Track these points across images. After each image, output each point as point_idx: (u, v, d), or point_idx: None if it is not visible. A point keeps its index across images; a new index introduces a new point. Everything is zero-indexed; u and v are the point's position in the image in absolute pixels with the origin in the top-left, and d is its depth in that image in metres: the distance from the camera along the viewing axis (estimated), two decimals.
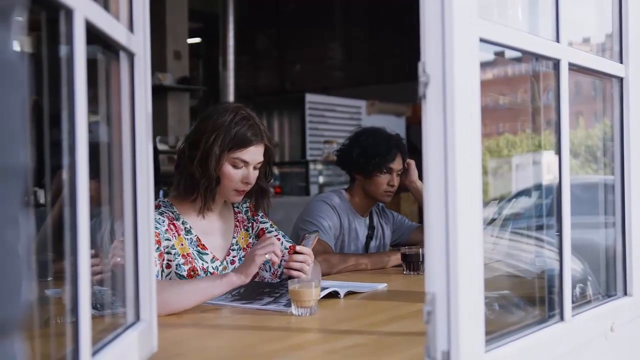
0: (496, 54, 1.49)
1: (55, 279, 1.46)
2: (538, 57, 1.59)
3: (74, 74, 1.01)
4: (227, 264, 2.31)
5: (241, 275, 2.00)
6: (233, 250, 2.35)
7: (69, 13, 1.00)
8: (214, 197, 2.27)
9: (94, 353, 1.09)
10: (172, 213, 2.24)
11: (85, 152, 1.02)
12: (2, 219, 0.54)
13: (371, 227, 3.16)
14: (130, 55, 1.35)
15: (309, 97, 8.19)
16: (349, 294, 2.20)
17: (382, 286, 2.38)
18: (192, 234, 2.24)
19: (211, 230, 2.31)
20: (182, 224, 2.24)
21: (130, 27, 1.35)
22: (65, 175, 1.01)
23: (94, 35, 1.11)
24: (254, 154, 2.23)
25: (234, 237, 2.37)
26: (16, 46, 0.60)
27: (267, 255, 2.01)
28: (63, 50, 1.01)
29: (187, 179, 2.22)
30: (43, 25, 1.04)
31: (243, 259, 2.32)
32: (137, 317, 1.38)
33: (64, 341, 1.08)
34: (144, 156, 1.39)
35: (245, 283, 2.01)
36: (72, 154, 1.00)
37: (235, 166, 2.22)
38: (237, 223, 2.40)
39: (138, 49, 1.37)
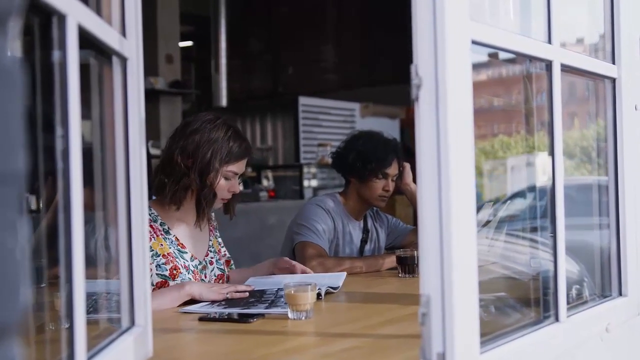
0: (490, 55, 1.50)
1: (49, 284, 1.46)
2: (530, 58, 1.59)
3: (67, 78, 1.00)
4: (206, 263, 2.41)
5: (194, 287, 2.12)
6: (211, 251, 2.46)
7: (62, 18, 1.00)
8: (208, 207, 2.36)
9: (89, 358, 1.08)
10: (150, 215, 2.28)
11: (79, 157, 1.02)
12: (1, 223, 0.54)
13: (365, 231, 3.16)
14: (123, 60, 1.35)
15: (303, 100, 8.16)
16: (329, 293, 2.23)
17: (342, 275, 2.45)
18: (170, 234, 2.32)
19: (189, 233, 2.39)
20: (160, 225, 2.31)
21: (123, 32, 1.35)
22: (59, 180, 1.00)
23: (86, 40, 1.11)
24: (243, 165, 2.38)
25: (210, 240, 2.48)
26: (13, 52, 0.60)
27: (228, 295, 2.14)
28: (55, 55, 1.01)
29: (182, 190, 2.28)
30: (35, 29, 1.04)
31: (219, 261, 2.47)
32: (132, 322, 1.37)
33: (57, 347, 1.08)
34: (137, 162, 1.38)
35: (192, 295, 2.10)
36: (65, 159, 1.00)
37: (226, 178, 2.33)
38: (212, 228, 2.52)
39: (131, 53, 1.37)
